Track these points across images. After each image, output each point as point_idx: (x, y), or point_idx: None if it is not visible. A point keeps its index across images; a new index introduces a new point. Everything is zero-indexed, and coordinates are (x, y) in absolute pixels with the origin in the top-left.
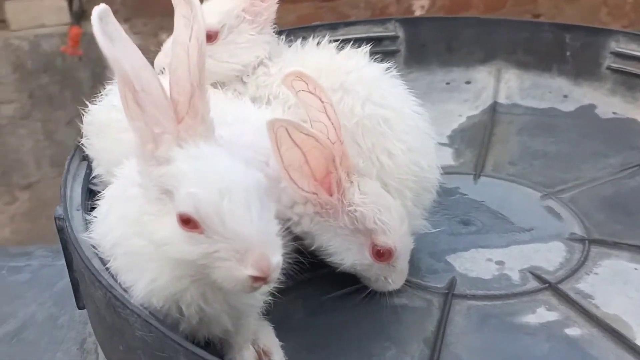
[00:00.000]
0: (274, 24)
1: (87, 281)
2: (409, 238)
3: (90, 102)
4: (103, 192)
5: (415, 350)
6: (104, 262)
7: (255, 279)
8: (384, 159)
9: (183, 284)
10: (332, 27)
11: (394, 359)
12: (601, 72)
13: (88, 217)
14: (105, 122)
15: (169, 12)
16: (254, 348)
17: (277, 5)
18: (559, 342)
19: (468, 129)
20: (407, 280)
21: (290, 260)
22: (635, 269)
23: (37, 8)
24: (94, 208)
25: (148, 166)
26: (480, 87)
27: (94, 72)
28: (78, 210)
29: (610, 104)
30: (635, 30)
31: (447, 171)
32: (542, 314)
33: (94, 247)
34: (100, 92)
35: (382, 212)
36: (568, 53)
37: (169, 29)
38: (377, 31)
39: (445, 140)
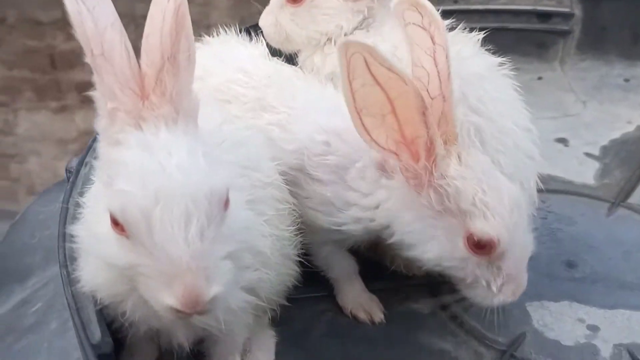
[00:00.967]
0: None
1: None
2: (525, 234)
3: None
4: None
5: None
6: None
7: (179, 311)
8: None
9: (120, 289)
10: None
11: None
12: None
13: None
14: None
15: None
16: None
17: None
18: None
19: (631, 142)
20: (461, 322)
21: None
22: None
23: None
24: None
25: (103, 144)
26: None
27: None
28: None
29: None
30: None
31: (579, 192)
32: None
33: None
34: None
35: (487, 193)
36: None
37: None
38: (547, 4)
39: (595, 151)
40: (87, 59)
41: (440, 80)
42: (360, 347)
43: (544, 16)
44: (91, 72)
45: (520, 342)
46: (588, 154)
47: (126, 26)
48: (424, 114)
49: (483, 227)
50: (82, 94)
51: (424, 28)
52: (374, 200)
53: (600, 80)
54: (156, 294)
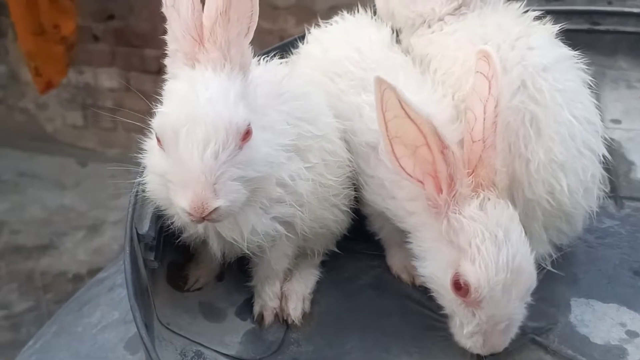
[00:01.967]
0: None
1: None
2: (510, 300)
3: None
4: None
5: None
6: None
7: (189, 214)
8: (518, 165)
9: (165, 195)
10: None
11: None
12: None
13: None
14: None
15: None
16: (280, 287)
17: None
18: None
19: None
20: None
21: None
22: None
23: None
24: None
25: (167, 78)
26: None
27: None
28: None
29: None
30: None
31: None
32: None
33: None
34: None
35: (485, 241)
36: None
37: None
38: None
39: None
40: (163, 9)
41: (484, 127)
42: (394, 302)
43: None
44: None
45: (548, 330)
46: None
47: None
48: (442, 152)
49: (466, 269)
50: None
51: (486, 77)
52: (411, 206)
53: None
54: (175, 197)
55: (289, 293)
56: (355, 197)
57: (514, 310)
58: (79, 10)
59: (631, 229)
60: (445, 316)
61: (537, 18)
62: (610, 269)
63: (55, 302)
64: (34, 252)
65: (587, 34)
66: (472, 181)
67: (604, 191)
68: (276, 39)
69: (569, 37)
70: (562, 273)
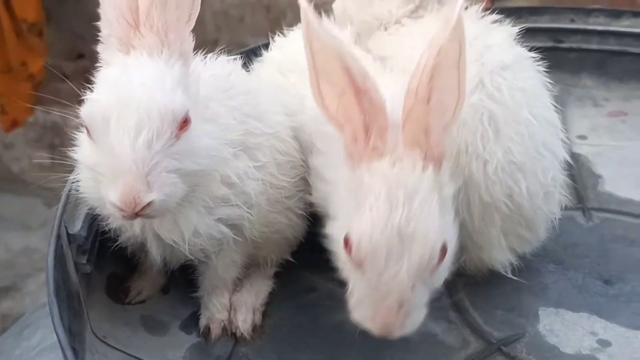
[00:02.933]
0: None
1: None
2: (394, 268)
3: None
4: None
5: None
6: None
7: (120, 209)
8: (476, 167)
9: (97, 192)
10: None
11: None
12: None
13: None
14: None
15: None
16: (229, 299)
17: None
18: None
19: None
20: (462, 311)
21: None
22: None
23: None
24: None
25: (100, 66)
26: None
27: None
28: None
29: None
30: None
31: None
32: None
33: None
34: None
35: (380, 199)
36: None
37: None
38: None
39: None
40: None
41: (419, 79)
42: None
43: None
44: None
45: (515, 340)
46: None
47: None
48: (356, 96)
49: (353, 224)
50: None
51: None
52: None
53: None
54: (105, 191)
55: (239, 304)
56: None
57: (405, 287)
58: (48, 49)
59: (600, 239)
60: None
61: (496, 21)
62: (580, 278)
63: None
64: None
65: (551, 52)
66: (393, 136)
67: (571, 202)
68: None
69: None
70: (525, 281)
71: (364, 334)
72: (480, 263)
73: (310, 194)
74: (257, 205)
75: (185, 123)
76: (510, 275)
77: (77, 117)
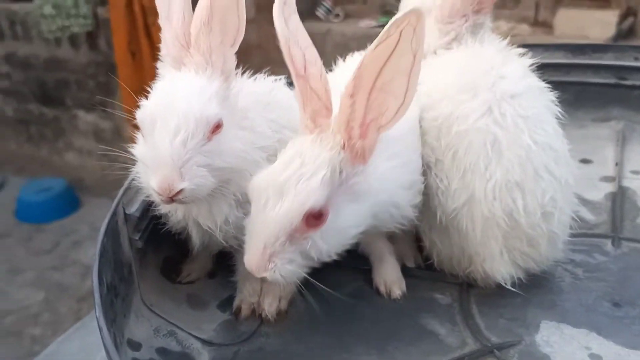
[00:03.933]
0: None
1: None
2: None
3: None
4: None
5: None
6: None
7: (158, 193)
8: (478, 184)
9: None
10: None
11: None
12: None
13: None
14: None
15: None
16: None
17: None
18: None
19: None
20: (468, 316)
21: None
22: None
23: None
24: None
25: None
26: None
27: None
28: None
29: None
30: None
31: None
32: None
33: None
34: None
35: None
36: None
37: None
38: None
39: None
40: (159, 20)
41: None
42: (369, 310)
43: None
44: None
45: (509, 346)
46: None
47: None
48: (297, 80)
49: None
50: None
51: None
52: None
53: None
54: (147, 178)
55: (268, 290)
56: None
57: (270, 232)
58: None
59: (624, 267)
60: (416, 328)
61: (521, 54)
62: (591, 299)
63: None
64: None
65: (614, 88)
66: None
67: (604, 230)
68: None
69: (597, 91)
70: (533, 296)
71: (377, 328)
72: (484, 274)
73: None
74: None
75: (217, 127)
76: (509, 287)
77: None
